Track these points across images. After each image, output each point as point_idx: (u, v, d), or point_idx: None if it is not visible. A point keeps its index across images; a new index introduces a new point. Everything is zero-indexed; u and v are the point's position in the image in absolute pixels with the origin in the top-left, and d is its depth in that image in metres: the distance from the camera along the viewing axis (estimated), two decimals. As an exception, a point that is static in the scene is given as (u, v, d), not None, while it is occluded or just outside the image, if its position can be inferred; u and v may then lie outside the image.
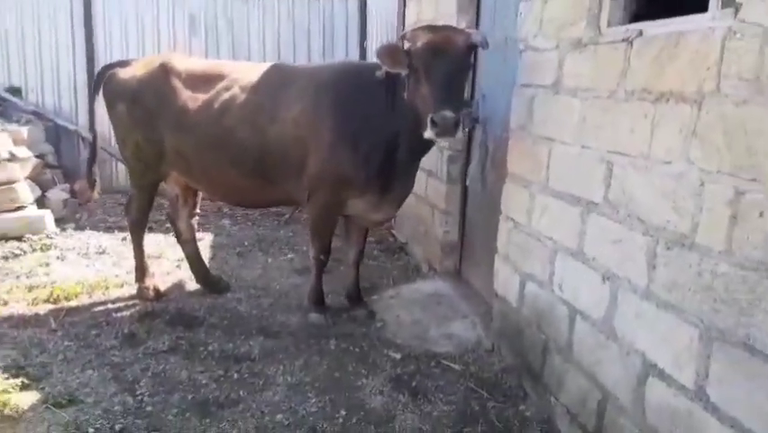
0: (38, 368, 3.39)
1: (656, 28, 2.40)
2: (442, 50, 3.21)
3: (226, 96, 3.95)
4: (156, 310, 4.22)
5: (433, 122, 3.08)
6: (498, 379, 3.51)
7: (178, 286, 4.75)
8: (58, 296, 4.34)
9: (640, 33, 2.47)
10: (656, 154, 2.34)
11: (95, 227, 6.18)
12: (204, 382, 3.32)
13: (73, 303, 4.31)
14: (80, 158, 7.35)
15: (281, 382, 3.35)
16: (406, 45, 3.36)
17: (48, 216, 5.84)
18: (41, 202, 6.16)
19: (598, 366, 2.73)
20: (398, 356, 3.72)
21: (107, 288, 4.59)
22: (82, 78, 7.28)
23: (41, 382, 3.26)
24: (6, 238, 5.53)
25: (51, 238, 5.70)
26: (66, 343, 3.69)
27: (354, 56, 7.51)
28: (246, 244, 5.93)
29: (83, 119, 7.33)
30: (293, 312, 4.29)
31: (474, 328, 4.03)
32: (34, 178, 6.21)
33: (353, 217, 4.11)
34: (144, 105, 4.09)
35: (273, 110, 3.85)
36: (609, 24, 2.74)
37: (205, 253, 5.38)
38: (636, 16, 2.69)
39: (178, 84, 4.05)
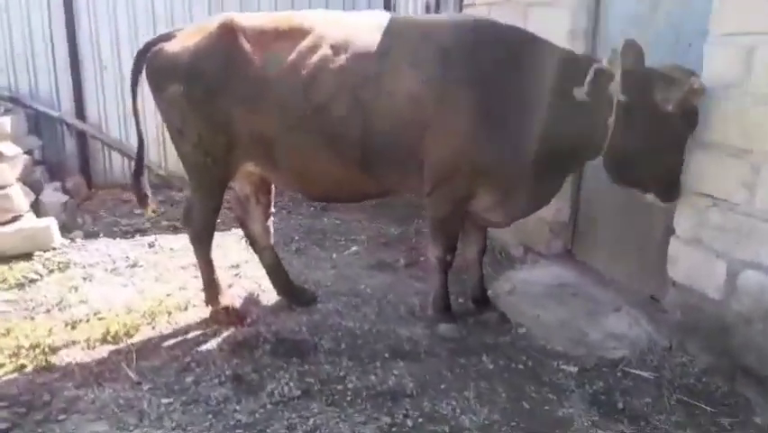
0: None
1: None
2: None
3: (314, 59, 3.06)
4: (248, 338, 3.39)
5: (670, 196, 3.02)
6: (706, 385, 2.94)
7: (253, 302, 3.91)
8: (116, 333, 3.43)
9: None
10: None
11: (108, 233, 5.15)
12: (377, 436, 2.59)
13: (137, 339, 3.41)
14: (65, 149, 6.22)
15: (469, 425, 2.64)
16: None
17: (53, 226, 4.79)
18: (35, 208, 5.06)
19: None
20: (574, 369, 3.09)
21: (168, 313, 3.71)
22: (62, 52, 6.04)
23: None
24: (7, 258, 4.47)
25: (63, 253, 4.67)
26: (163, 400, 2.82)
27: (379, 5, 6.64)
28: (296, 238, 5.09)
29: (67, 104, 6.14)
30: (411, 323, 3.57)
31: (638, 324, 3.42)
32: (24, 179, 5.09)
33: (470, 214, 3.38)
34: (206, 80, 3.15)
35: (379, 80, 3.02)
36: None
37: (242, 258, 4.54)
38: None
39: (248, 47, 3.12)
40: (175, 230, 5.22)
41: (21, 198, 4.82)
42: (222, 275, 4.20)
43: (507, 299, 3.86)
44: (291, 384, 2.94)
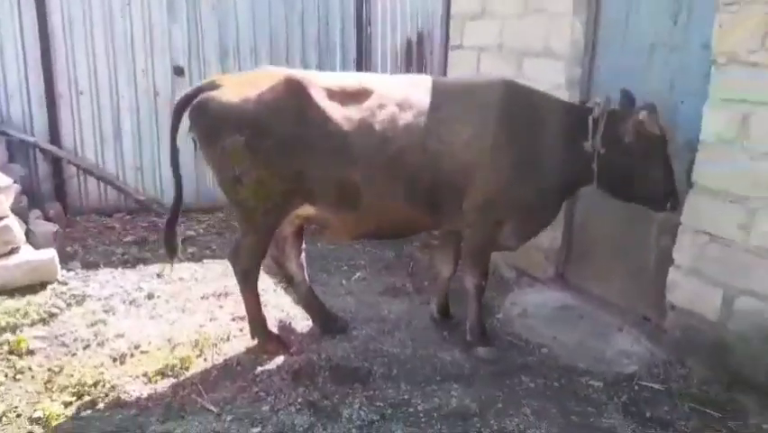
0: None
1: None
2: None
3: (384, 116, 3.43)
4: (303, 366, 3.58)
5: (672, 206, 3.51)
6: (707, 394, 3.50)
7: (288, 330, 4.09)
8: (172, 366, 3.51)
9: None
10: None
11: (107, 263, 5.09)
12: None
13: (194, 371, 3.52)
14: (39, 176, 6.00)
15: (538, 440, 3.05)
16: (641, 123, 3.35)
17: (55, 258, 4.68)
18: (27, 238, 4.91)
19: None
20: (600, 384, 3.57)
21: (214, 344, 3.82)
22: (36, 74, 5.86)
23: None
24: (9, 291, 4.35)
25: (69, 285, 4.59)
26: (252, 430, 3.00)
27: (352, 44, 6.95)
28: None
29: (40, 128, 5.94)
30: (446, 347, 3.91)
31: (638, 342, 3.98)
32: (14, 209, 4.92)
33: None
34: (277, 132, 3.34)
35: (439, 132, 3.46)
36: None
37: (264, 285, 4.69)
38: None
39: (322, 104, 3.40)
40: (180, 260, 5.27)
41: (18, 228, 4.68)
42: (243, 306, 4.36)
43: (522, 321, 4.31)
44: (365, 409, 3.20)
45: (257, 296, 3.79)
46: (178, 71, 6.27)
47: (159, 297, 4.51)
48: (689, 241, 3.68)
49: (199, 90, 3.48)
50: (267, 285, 4.65)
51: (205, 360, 3.66)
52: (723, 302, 3.52)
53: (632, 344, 3.98)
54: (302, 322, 4.19)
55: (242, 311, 4.22)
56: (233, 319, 4.18)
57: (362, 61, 6.89)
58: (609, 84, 4.20)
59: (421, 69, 6.13)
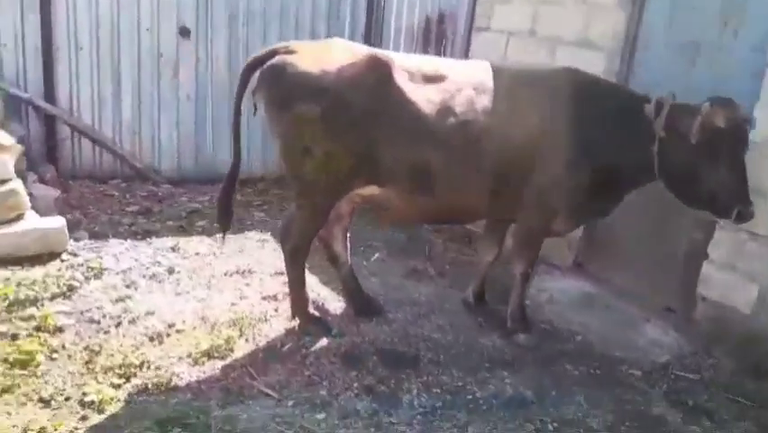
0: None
1: None
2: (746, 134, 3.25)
3: (463, 99, 3.37)
4: (349, 349, 3.53)
5: (740, 214, 3.20)
6: (738, 384, 3.63)
7: (324, 311, 4.00)
8: (217, 347, 3.38)
9: None
10: None
11: (116, 234, 4.81)
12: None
13: (240, 353, 3.40)
14: (32, 136, 5.58)
15: (597, 426, 3.09)
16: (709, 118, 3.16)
17: (65, 226, 4.39)
18: (28, 203, 4.58)
19: None
20: (639, 373, 3.66)
21: (252, 325, 3.69)
22: (33, 23, 5.40)
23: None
24: (15, 259, 4.07)
25: (76, 255, 4.32)
26: (317, 416, 2.92)
27: (362, 18, 6.75)
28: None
29: (35, 84, 5.52)
30: (485, 333, 3.91)
31: (667, 333, 4.10)
32: (18, 172, 4.57)
33: None
34: (355, 107, 3.25)
35: (511, 118, 3.43)
36: None
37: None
38: None
39: (404, 84, 3.32)
40: (184, 231, 5.06)
41: (24, 193, 4.37)
42: (270, 284, 4.25)
43: (551, 307, 4.36)
44: (424, 395, 3.18)
45: (303, 278, 3.68)
46: (184, 32, 5.93)
47: (179, 272, 4.30)
48: (727, 238, 3.80)
49: (274, 53, 3.34)
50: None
51: (246, 341, 3.53)
52: (758, 296, 3.67)
53: (660, 334, 4.11)
54: (333, 303, 4.11)
55: (271, 290, 4.18)
56: (264, 298, 4.05)
57: (371, 37, 6.69)
58: (649, 79, 4.25)
59: (440, 50, 6.01)
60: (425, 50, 6.21)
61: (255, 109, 3.44)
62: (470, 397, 3.22)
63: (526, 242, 3.77)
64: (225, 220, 3.58)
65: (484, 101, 3.38)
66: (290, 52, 3.33)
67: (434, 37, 6.11)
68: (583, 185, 3.49)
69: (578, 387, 3.43)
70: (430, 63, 3.55)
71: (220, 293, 4.08)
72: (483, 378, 3.41)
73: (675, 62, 4.18)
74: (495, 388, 3.32)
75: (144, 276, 4.19)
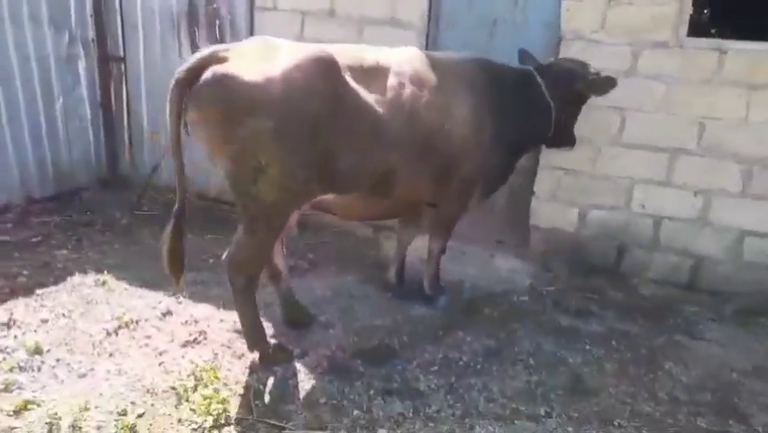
0: None
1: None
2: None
3: (409, 95, 3.36)
4: (330, 364, 3.39)
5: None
6: (574, 282, 4.78)
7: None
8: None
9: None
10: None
11: None
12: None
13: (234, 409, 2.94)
14: None
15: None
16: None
17: None
18: None
19: (691, 245, 4.59)
20: (526, 298, 4.47)
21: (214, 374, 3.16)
22: None
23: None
24: None
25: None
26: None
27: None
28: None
29: None
30: (411, 307, 4.15)
31: (511, 261, 5.02)
32: None
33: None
34: (307, 117, 2.93)
35: (448, 109, 3.55)
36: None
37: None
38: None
39: (354, 84, 3.13)
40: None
41: None
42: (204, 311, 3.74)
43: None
44: (433, 375, 3.36)
45: (256, 306, 3.30)
46: None
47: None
48: (547, 175, 4.85)
49: (204, 63, 2.79)
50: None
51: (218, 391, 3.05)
52: (578, 217, 4.86)
53: (511, 264, 5.02)
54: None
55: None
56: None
57: (102, 24, 5.73)
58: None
59: (213, 32, 5.54)
60: (190, 33, 5.66)
61: (187, 131, 2.87)
62: (462, 364, 3.52)
63: (447, 224, 4.06)
64: (178, 268, 2.96)
65: (426, 95, 3.41)
66: (221, 60, 2.84)
67: (203, 19, 5.59)
68: (502, 164, 3.93)
69: (514, 323, 4.05)
70: (366, 55, 3.34)
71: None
72: (452, 344, 3.72)
73: (476, 38, 4.94)
74: (469, 348, 3.69)
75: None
